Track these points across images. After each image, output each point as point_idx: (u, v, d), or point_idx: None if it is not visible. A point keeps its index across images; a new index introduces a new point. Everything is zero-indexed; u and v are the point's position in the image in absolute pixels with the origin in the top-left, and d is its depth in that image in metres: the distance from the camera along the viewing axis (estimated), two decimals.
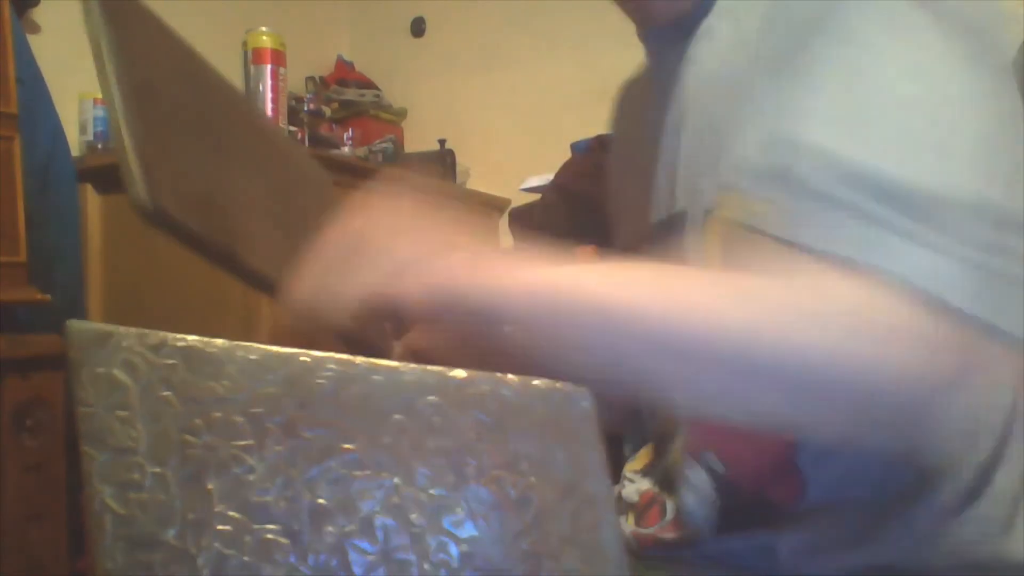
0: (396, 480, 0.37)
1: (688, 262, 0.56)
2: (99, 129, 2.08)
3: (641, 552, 0.57)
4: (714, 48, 0.59)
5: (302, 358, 0.37)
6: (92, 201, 2.01)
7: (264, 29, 1.90)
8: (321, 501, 0.37)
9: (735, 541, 0.53)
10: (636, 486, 0.61)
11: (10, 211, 1.46)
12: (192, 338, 0.38)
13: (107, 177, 2.01)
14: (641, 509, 0.59)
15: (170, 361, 0.38)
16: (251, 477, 0.37)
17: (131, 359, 0.38)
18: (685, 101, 0.60)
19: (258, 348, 0.38)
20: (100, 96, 2.06)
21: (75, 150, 2.00)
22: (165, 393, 0.38)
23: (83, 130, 2.09)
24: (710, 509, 0.54)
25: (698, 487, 0.55)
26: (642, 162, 0.66)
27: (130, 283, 1.99)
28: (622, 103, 0.80)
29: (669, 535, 0.56)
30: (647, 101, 0.68)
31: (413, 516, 0.37)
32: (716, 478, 0.54)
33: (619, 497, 0.61)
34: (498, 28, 2.76)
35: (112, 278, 2.02)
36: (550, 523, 0.37)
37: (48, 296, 1.50)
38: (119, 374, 0.38)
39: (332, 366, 0.37)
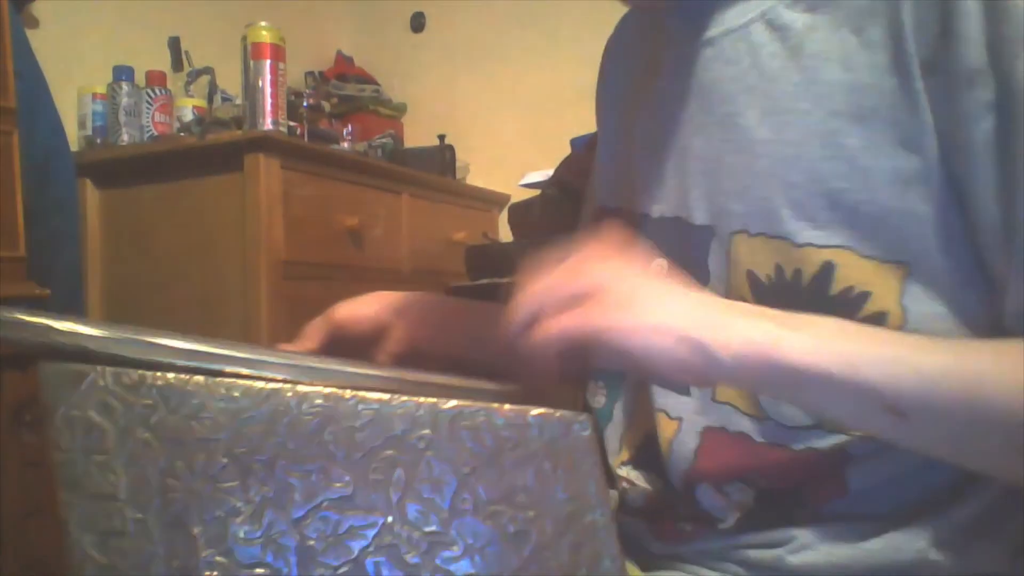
0: (388, 518, 0.36)
1: (708, 272, 0.56)
2: (98, 124, 2.08)
3: (656, 547, 0.56)
4: (756, 56, 0.54)
5: (287, 393, 0.36)
6: (91, 195, 2.01)
7: (264, 24, 1.89)
8: (311, 542, 0.36)
9: (756, 536, 0.53)
10: (639, 489, 0.60)
11: (9, 206, 1.46)
12: (171, 376, 0.36)
13: (106, 172, 2.01)
14: (652, 513, 0.58)
15: (148, 401, 0.36)
16: (237, 519, 0.35)
17: (107, 400, 0.36)
18: (711, 101, 0.56)
19: (240, 384, 0.36)
20: (99, 91, 2.07)
21: (74, 145, 1.99)
22: (144, 435, 0.36)
23: (82, 125, 2.09)
24: (743, 510, 0.53)
25: (730, 493, 0.54)
26: (641, 139, 0.62)
27: (129, 278, 1.99)
28: (617, 52, 0.73)
29: (689, 527, 0.55)
30: (653, 68, 0.63)
31: (407, 554, 0.36)
32: (756, 488, 0.53)
33: (623, 503, 0.60)
34: (498, 23, 2.75)
35: (111, 273, 2.02)
36: (550, 557, 0.36)
37: (47, 291, 1.49)
38: (95, 416, 0.36)
39: (319, 401, 0.36)
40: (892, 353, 0.42)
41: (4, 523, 1.34)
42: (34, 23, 2.00)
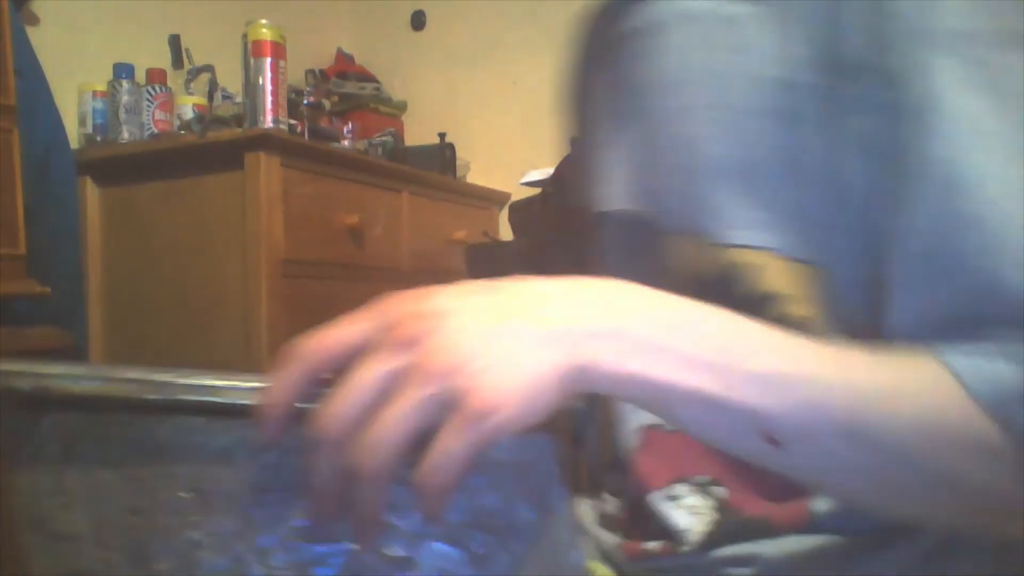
0: (354, 544, 0.35)
1: (656, 267, 0.54)
2: (98, 121, 2.08)
3: (628, 564, 0.55)
4: (697, 49, 0.53)
5: (246, 425, 0.35)
6: (91, 193, 2.01)
7: (264, 22, 1.89)
8: (277, 572, 0.35)
9: (722, 551, 0.51)
10: (614, 503, 0.59)
11: (9, 203, 1.46)
12: (130, 413, 0.35)
13: (106, 169, 2.01)
14: (628, 524, 0.57)
15: (107, 440, 0.35)
16: (202, 553, 0.35)
17: (66, 441, 0.36)
18: (652, 94, 0.55)
19: (199, 418, 0.35)
20: (99, 88, 2.06)
21: (74, 142, 1.99)
22: (105, 474, 0.35)
23: (82, 122, 2.09)
24: (705, 526, 0.52)
25: (694, 507, 0.53)
26: (592, 135, 0.62)
27: (129, 275, 1.99)
28: (573, 56, 0.71)
29: (656, 546, 0.54)
30: (602, 64, 0.63)
31: None
32: (718, 502, 0.52)
33: (602, 513, 0.59)
34: (498, 21, 2.75)
35: (111, 270, 2.01)
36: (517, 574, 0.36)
37: (47, 289, 1.49)
38: (55, 458, 0.36)
39: None
40: (771, 370, 0.37)
41: (3, 524, 1.34)
42: (34, 20, 2.00)
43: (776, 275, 0.48)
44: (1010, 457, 0.37)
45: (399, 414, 0.33)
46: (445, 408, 0.33)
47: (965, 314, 0.40)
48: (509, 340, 0.34)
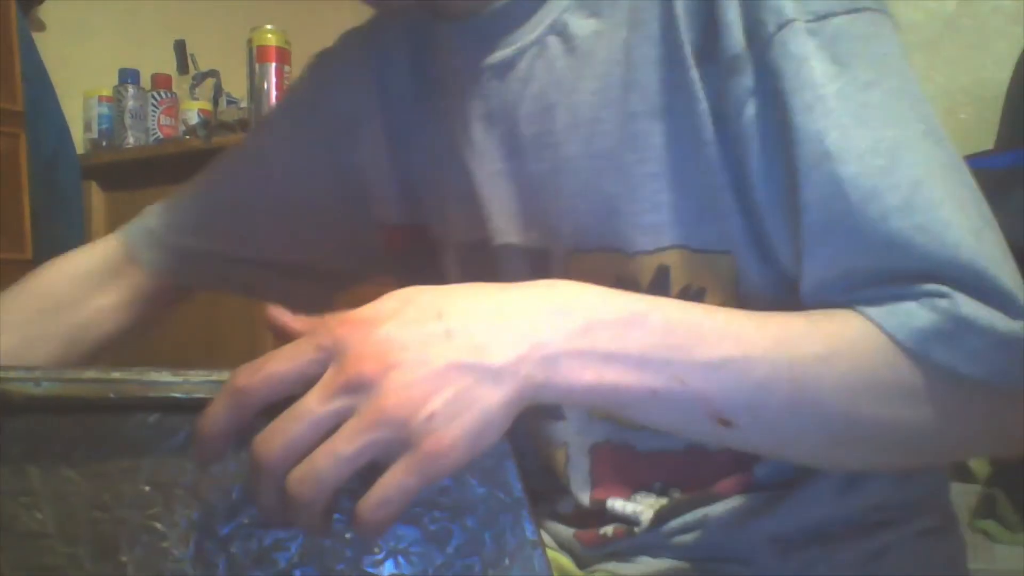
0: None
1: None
2: (104, 127, 2.09)
3: (585, 551, 0.56)
4: (552, 71, 0.53)
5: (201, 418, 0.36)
6: (97, 198, 2.02)
7: (269, 27, 1.90)
8: (238, 558, 0.37)
9: (673, 523, 0.53)
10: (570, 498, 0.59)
11: (16, 208, 1.47)
12: (89, 412, 0.37)
13: (111, 174, 2.02)
14: (578, 520, 0.57)
15: (69, 439, 0.37)
16: (164, 543, 0.37)
17: (29, 442, 0.37)
18: (518, 123, 0.55)
19: (156, 414, 0.37)
20: (105, 93, 2.07)
21: (80, 147, 2.00)
22: (68, 472, 0.37)
23: (88, 128, 2.10)
24: (652, 510, 0.53)
25: (639, 499, 0.54)
26: (446, 165, 0.60)
27: None
28: (351, 69, 0.72)
29: (611, 531, 0.55)
30: (434, 90, 0.61)
31: (331, 562, 0.37)
32: (661, 491, 0.54)
33: (553, 510, 0.59)
34: None
35: None
36: (473, 550, 0.37)
37: None
38: (18, 459, 0.37)
39: None
40: (719, 357, 0.39)
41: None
42: (41, 26, 2.01)
43: (685, 271, 0.49)
44: (934, 395, 0.40)
45: (344, 452, 0.34)
46: (392, 448, 0.34)
47: (868, 275, 0.42)
48: (459, 382, 0.35)
